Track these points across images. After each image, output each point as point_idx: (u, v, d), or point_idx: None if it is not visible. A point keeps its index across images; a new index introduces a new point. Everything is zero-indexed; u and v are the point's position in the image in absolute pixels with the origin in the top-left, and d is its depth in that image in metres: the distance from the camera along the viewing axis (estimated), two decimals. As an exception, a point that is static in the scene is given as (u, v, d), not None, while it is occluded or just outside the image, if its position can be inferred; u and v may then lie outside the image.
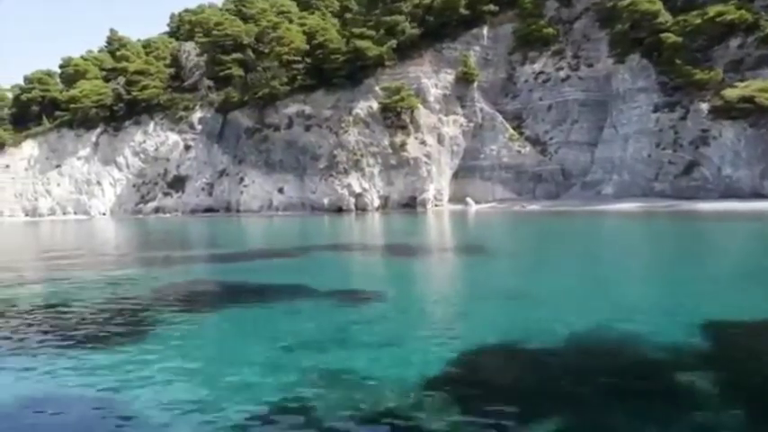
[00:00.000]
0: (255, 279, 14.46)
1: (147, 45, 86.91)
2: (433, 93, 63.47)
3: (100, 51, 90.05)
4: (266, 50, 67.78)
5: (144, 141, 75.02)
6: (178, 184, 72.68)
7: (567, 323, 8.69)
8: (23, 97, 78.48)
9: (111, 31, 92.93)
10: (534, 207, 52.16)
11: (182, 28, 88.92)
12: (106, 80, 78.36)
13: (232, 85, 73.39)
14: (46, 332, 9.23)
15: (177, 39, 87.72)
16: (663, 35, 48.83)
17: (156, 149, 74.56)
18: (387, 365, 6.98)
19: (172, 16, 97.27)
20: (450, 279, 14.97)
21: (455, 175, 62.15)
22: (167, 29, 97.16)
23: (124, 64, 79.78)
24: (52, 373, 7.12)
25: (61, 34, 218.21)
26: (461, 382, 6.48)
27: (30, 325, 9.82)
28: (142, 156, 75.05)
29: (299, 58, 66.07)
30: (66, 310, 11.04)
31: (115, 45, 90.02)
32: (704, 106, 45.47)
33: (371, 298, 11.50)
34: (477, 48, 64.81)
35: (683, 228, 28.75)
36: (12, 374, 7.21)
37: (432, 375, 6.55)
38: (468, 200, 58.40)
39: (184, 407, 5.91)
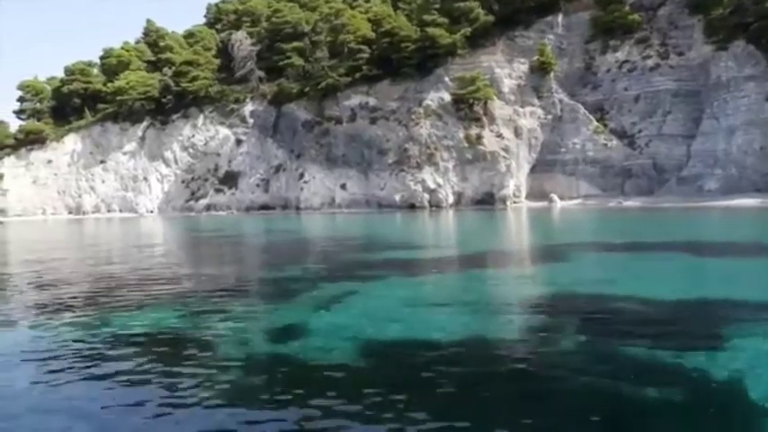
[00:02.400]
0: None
1: (188, 36, 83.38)
2: (507, 83, 60.18)
3: (137, 43, 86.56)
4: (329, 39, 64.26)
5: (193, 135, 71.64)
6: (230, 180, 69.29)
7: None
8: (64, 89, 74.91)
9: (149, 22, 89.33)
10: (631, 203, 48.89)
11: (223, 18, 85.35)
12: (150, 72, 74.82)
13: (285, 75, 70.07)
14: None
15: (218, 30, 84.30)
16: (776, 19, 45.60)
17: (206, 144, 71.20)
18: None
19: (209, 7, 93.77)
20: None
21: (532, 170, 58.91)
22: (204, 20, 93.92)
23: (168, 55, 76.41)
24: None
25: (84, 29, 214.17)
26: None
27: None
28: (191, 150, 71.67)
29: (365, 47, 62.56)
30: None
31: (153, 36, 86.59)
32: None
33: None
34: (552, 36, 61.57)
35: None
36: None
37: None
38: (553, 196, 55.08)
39: None
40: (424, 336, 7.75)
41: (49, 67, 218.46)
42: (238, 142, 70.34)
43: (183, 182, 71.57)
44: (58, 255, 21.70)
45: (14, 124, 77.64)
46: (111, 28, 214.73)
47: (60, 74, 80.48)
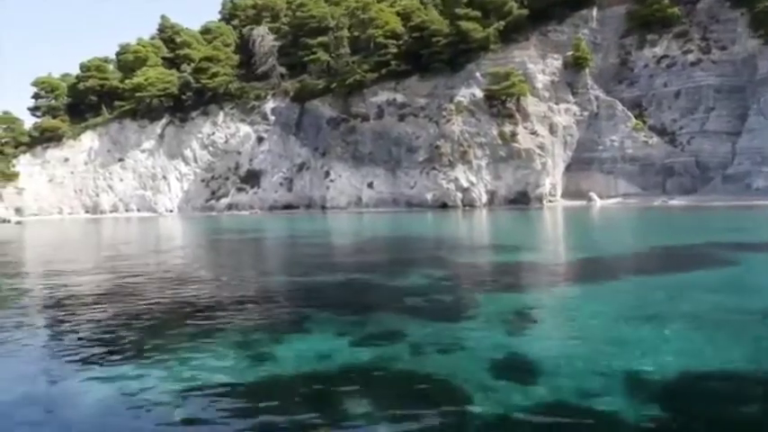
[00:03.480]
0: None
1: (205, 31, 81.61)
2: (541, 79, 58.50)
3: (152, 39, 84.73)
4: (356, 34, 62.49)
5: (213, 133, 69.90)
6: (252, 178, 67.55)
7: None
8: (80, 86, 73.06)
9: (163, 18, 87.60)
10: (677, 202, 47.16)
11: (240, 14, 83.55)
12: (167, 68, 73.03)
13: (308, 72, 68.36)
14: None
15: (234, 26, 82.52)
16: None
17: (226, 142, 69.46)
18: None
19: (224, 3, 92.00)
20: None
21: (566, 169, 57.22)
22: (219, 16, 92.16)
23: (186, 51, 74.64)
24: None
25: (91, 26, 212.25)
26: None
27: None
28: (211, 148, 69.94)
29: (393, 42, 60.81)
30: None
31: (168, 32, 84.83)
32: None
33: None
34: (586, 31, 59.89)
35: None
36: None
37: None
38: (592, 195, 53.34)
39: None
40: (672, 364, 6.05)
41: (55, 65, 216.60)
42: (260, 140, 68.62)
43: (202, 180, 69.84)
44: (77, 259, 19.95)
45: (28, 122, 75.94)
46: (115, 27, 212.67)
47: (65, 71, 79.12)
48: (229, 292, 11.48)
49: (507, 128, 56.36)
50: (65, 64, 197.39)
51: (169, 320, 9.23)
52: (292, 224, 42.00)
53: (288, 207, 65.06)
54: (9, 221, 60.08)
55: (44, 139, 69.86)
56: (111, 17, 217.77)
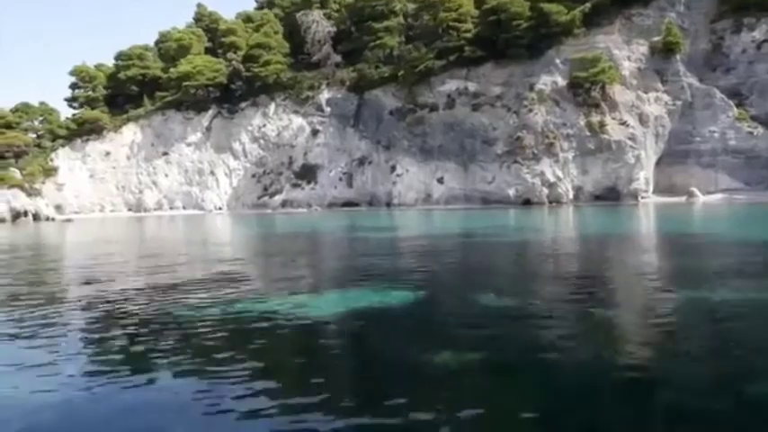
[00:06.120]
0: None
1: (246, 19, 77.26)
2: (627, 66, 54.40)
3: (189, 27, 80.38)
4: (426, 17, 58.28)
5: (263, 125, 65.63)
6: (308, 174, 63.28)
7: None
8: (121, 75, 68.63)
9: (200, 6, 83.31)
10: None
11: (282, 1, 79.14)
12: (217, 55, 68.76)
13: (364, 60, 64.09)
14: None
15: (275, 14, 78.16)
16: None
17: (278, 134, 65.21)
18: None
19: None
20: None
21: (657, 162, 53.12)
22: (255, 5, 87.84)
23: (232, 38, 70.29)
24: None
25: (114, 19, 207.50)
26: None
27: None
28: (262, 142, 65.67)
29: (465, 26, 56.65)
30: None
31: (206, 21, 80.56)
32: None
33: None
34: (673, 14, 55.73)
35: None
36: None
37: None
38: (694, 190, 49.18)
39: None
40: None
41: (80, 57, 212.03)
42: (314, 133, 64.37)
43: (253, 176, 65.55)
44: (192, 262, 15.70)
45: (63, 114, 71.56)
46: (141, 18, 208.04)
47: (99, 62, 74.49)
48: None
49: (595, 118, 52.31)
50: (89, 56, 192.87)
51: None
52: (380, 223, 37.69)
53: (348, 204, 60.80)
54: (52, 219, 55.74)
55: (83, 131, 65.45)
56: (139, 7, 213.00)
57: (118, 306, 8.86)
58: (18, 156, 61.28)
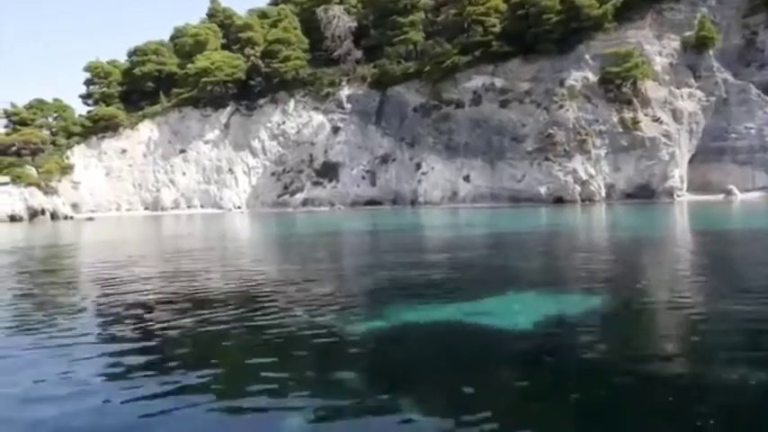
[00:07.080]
0: None
1: (262, 15, 75.87)
2: (659, 61, 53.27)
3: (202, 23, 79.00)
4: (452, 12, 57.06)
5: (283, 122, 64.36)
6: (330, 172, 62.01)
7: None
8: (137, 71, 67.26)
9: (213, 1, 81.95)
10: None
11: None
12: (231, 52, 67.40)
13: (386, 55, 62.82)
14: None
15: (292, 11, 76.77)
16: None
17: (298, 132, 63.94)
18: None
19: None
20: None
21: (690, 160, 52.01)
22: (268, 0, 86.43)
23: (249, 34, 68.92)
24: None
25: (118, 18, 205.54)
26: None
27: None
28: (281, 139, 64.39)
29: (493, 21, 55.45)
30: None
31: (220, 17, 79.23)
32: None
33: None
34: (704, 9, 54.58)
35: None
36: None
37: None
38: (732, 189, 48.04)
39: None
40: None
41: (90, 54, 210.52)
42: (335, 130, 63.11)
43: (273, 174, 64.27)
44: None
45: (76, 110, 70.15)
46: (150, 16, 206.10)
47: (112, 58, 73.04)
48: None
49: (627, 114, 51.15)
50: (99, 53, 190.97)
51: None
52: (420, 222, 36.45)
53: (371, 203, 59.58)
54: (71, 218, 54.42)
55: (99, 128, 64.08)
56: (149, 4, 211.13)
57: (154, 315, 8.48)
58: (34, 153, 59.96)
